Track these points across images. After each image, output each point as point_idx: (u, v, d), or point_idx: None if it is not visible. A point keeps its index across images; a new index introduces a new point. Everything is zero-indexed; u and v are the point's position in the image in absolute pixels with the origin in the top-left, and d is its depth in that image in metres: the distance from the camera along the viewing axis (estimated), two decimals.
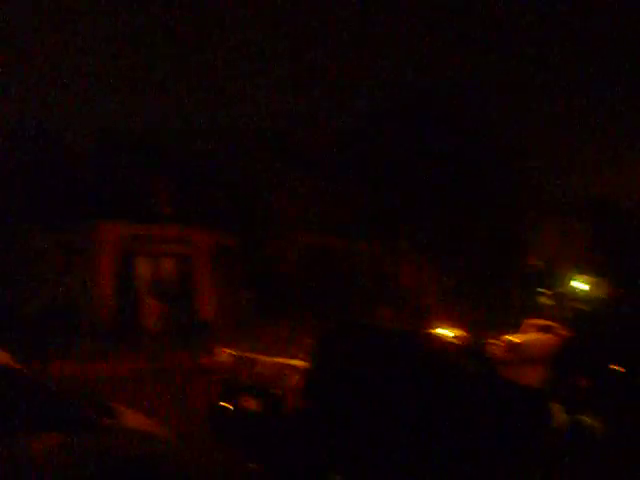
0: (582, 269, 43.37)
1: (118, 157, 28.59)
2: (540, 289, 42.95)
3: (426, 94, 35.72)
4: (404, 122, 35.19)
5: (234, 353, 9.52)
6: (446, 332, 26.65)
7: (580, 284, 43.34)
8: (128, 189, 27.89)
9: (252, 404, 8.37)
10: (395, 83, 35.91)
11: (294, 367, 8.23)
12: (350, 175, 33.39)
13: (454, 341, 23.11)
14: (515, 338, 25.25)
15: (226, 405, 8.75)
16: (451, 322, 28.45)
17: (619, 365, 12.80)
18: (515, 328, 26.02)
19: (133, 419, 6.53)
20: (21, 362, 7.39)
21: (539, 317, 28.41)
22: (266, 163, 30.90)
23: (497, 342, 24.83)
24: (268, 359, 8.54)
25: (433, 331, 25.85)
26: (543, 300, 42.78)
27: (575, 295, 42.91)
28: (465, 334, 26.85)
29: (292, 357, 8.40)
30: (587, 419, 12.61)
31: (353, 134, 35.96)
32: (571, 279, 43.41)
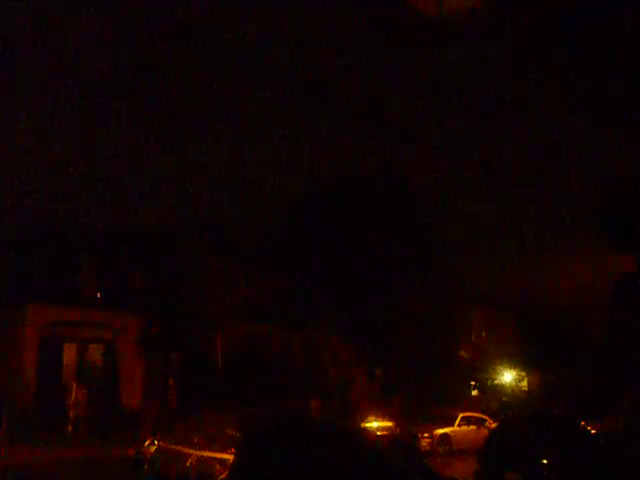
0: (508, 361, 44.07)
1: (44, 238, 28.02)
2: (470, 381, 43.36)
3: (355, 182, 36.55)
4: (331, 210, 35.70)
5: (162, 445, 9.24)
6: (376, 424, 26.56)
7: (505, 376, 44.08)
8: (54, 271, 27.33)
9: None
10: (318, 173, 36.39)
11: (223, 461, 8.05)
12: (275, 263, 33.61)
13: (384, 434, 23.11)
14: (446, 430, 25.29)
15: None
16: (381, 414, 28.34)
17: (543, 457, 12.92)
18: (445, 420, 26.01)
19: None
20: None
21: (470, 409, 28.55)
22: (192, 250, 30.87)
23: (428, 434, 24.80)
24: (197, 452, 8.34)
25: (363, 424, 25.74)
26: (473, 392, 43.16)
27: (500, 387, 43.54)
28: (395, 426, 26.78)
29: (221, 450, 8.23)
30: None
31: (279, 225, 36.52)
32: (497, 371, 44.10)
